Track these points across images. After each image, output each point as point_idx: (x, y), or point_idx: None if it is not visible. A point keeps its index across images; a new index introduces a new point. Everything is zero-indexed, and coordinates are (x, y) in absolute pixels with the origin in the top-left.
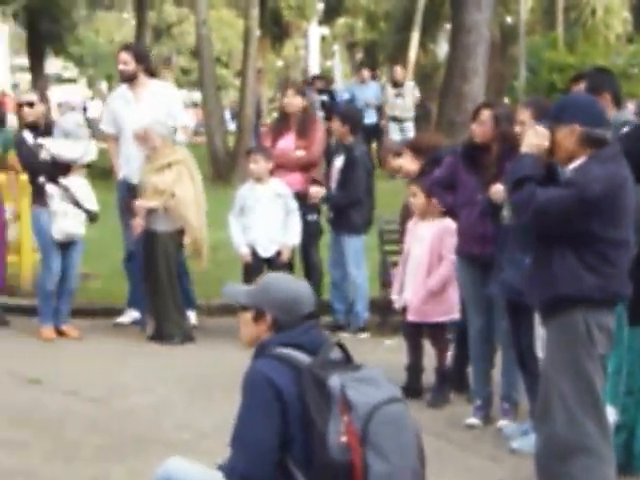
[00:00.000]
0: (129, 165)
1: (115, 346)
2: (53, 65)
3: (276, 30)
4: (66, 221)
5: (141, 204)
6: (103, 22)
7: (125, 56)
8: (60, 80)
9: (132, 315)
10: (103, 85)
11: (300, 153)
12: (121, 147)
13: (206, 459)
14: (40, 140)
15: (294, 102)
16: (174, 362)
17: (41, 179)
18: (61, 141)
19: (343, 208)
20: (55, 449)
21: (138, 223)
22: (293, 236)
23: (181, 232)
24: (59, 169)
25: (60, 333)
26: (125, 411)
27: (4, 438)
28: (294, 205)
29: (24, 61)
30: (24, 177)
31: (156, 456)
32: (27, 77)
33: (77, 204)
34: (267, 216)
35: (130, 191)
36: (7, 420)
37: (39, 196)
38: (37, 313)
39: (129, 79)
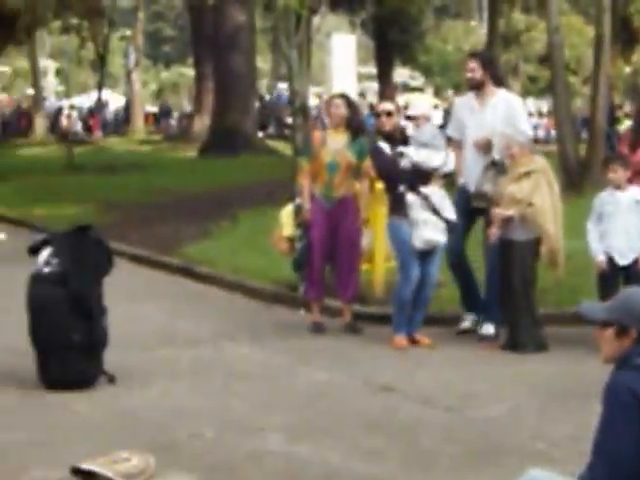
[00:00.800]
0: (469, 172)
1: (467, 354)
2: (399, 74)
3: (625, 36)
4: (427, 230)
5: (498, 213)
6: (451, 30)
7: (472, 64)
8: (407, 89)
9: (481, 324)
10: (450, 94)
11: None
12: (464, 154)
13: (561, 469)
14: (401, 148)
15: None
16: (528, 371)
17: (401, 188)
18: (422, 150)
19: None
20: (411, 457)
21: (493, 232)
22: None
23: (538, 241)
24: (420, 178)
25: (413, 341)
26: (480, 420)
27: (360, 445)
28: None
29: (369, 69)
30: (379, 186)
31: (512, 466)
32: (372, 85)
33: (437, 213)
34: (626, 223)
35: (466, 199)
36: (362, 427)
37: (398, 206)
38: (389, 321)
39: (476, 87)
